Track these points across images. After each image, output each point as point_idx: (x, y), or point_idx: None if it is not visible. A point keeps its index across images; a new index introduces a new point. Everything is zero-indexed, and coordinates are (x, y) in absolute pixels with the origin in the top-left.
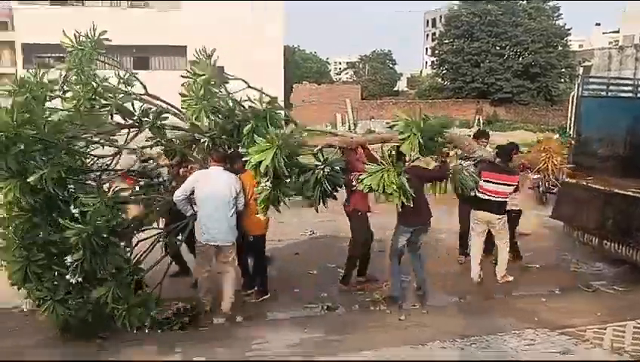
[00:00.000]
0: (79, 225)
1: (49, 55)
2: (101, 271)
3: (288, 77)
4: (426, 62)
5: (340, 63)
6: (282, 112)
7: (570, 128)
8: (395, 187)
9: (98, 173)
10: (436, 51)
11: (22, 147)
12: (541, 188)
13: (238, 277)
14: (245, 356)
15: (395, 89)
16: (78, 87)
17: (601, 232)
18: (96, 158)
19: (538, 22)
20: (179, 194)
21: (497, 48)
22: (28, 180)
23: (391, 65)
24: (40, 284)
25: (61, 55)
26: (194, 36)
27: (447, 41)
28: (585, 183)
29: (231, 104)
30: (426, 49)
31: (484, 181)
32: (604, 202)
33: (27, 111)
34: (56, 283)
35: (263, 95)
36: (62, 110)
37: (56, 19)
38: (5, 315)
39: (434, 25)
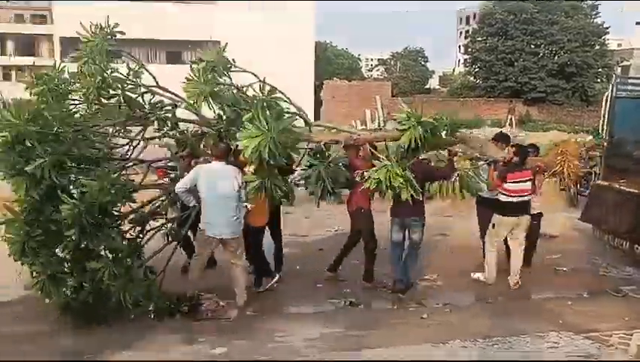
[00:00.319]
0: (73, 201)
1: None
2: (94, 249)
3: (319, 73)
4: (459, 60)
5: (372, 60)
6: (285, 103)
7: (602, 129)
8: (401, 180)
9: (115, 163)
10: (469, 49)
11: (28, 144)
12: (572, 190)
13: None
14: (267, 347)
15: (427, 87)
16: (89, 77)
17: (633, 236)
18: (111, 148)
19: (575, 20)
20: (180, 187)
21: (532, 47)
22: (26, 169)
23: (423, 63)
24: (36, 259)
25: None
26: (226, 31)
27: (480, 39)
28: (617, 186)
29: (235, 92)
30: (459, 47)
31: (511, 183)
32: (636, 205)
33: (43, 104)
34: (51, 259)
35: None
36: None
37: (93, 13)
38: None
39: (467, 22)
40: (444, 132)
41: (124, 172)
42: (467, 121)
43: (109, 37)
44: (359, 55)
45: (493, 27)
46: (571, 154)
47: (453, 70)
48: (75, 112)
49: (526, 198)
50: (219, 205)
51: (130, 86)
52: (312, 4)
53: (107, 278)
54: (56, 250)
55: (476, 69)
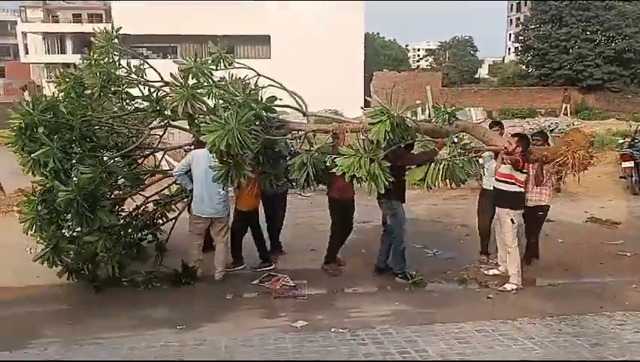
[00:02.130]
0: (67, 189)
1: (143, 45)
2: (89, 227)
3: (368, 64)
4: (509, 49)
5: (419, 50)
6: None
7: None
8: (364, 173)
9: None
10: (521, 37)
11: (41, 130)
12: (634, 178)
13: (228, 250)
14: (344, 321)
15: (476, 76)
16: (96, 76)
17: None
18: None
19: (634, 4)
20: (176, 170)
21: (588, 33)
22: (32, 155)
23: (472, 52)
24: (42, 234)
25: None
26: (277, 26)
27: (533, 27)
28: None
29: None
30: (510, 35)
31: (523, 173)
32: None
33: (66, 99)
34: (54, 233)
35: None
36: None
37: (150, 11)
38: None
39: (518, 10)
40: (444, 121)
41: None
42: (519, 110)
43: (115, 39)
44: (407, 45)
45: (547, 14)
46: (578, 144)
47: (504, 59)
48: (86, 105)
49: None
50: (207, 187)
51: (131, 82)
52: None
53: (100, 249)
54: (64, 230)
55: (529, 58)
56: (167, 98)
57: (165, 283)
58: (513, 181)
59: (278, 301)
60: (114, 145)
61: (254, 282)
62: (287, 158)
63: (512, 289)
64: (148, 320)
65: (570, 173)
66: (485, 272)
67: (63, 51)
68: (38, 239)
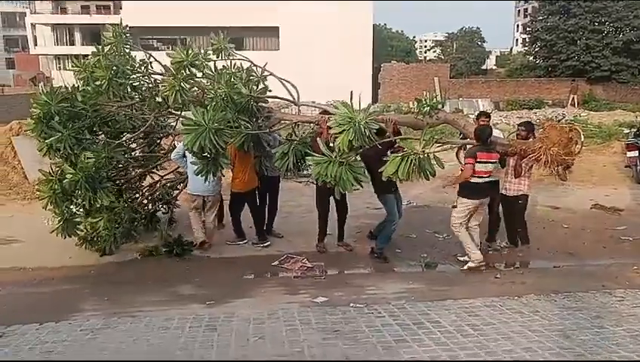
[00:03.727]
0: (72, 171)
1: (153, 37)
2: (92, 206)
3: (376, 55)
4: (517, 40)
5: (426, 41)
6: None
7: None
8: (330, 178)
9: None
10: (529, 28)
11: (56, 119)
12: (638, 167)
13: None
14: (362, 298)
15: (483, 67)
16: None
17: None
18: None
19: None
20: (173, 154)
21: (595, 25)
22: (46, 141)
23: (479, 43)
24: (58, 209)
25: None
26: (286, 17)
27: (541, 18)
28: None
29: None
30: (517, 25)
31: (478, 163)
32: None
33: (84, 87)
34: (66, 209)
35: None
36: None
37: (160, 3)
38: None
39: (526, 0)
40: (425, 114)
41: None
42: (527, 101)
43: (125, 36)
44: (414, 37)
45: (555, 6)
46: (552, 141)
47: (511, 50)
48: (100, 94)
49: (493, 180)
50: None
51: (137, 75)
52: None
53: (103, 227)
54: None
55: (537, 49)
56: (161, 88)
57: (184, 259)
58: (461, 170)
59: (298, 280)
60: (131, 129)
61: (274, 263)
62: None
63: (469, 268)
64: (177, 296)
65: (546, 169)
66: (459, 258)
67: (71, 43)
68: (53, 214)
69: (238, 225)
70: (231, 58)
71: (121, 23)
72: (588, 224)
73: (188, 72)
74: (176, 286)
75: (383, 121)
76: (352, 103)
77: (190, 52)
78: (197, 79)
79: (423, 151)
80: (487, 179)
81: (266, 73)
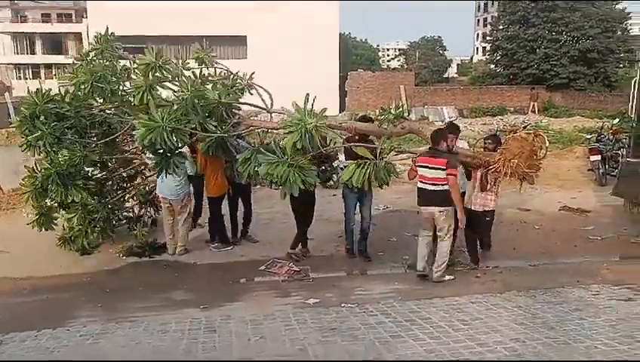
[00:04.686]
0: (46, 167)
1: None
2: (63, 202)
3: (343, 64)
4: (477, 48)
5: (389, 50)
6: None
7: (631, 113)
8: (277, 178)
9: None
10: (489, 37)
11: (41, 118)
12: (601, 170)
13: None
14: (351, 298)
15: (445, 75)
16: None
17: None
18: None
19: (597, 6)
20: (147, 156)
21: (554, 34)
22: (28, 138)
23: (441, 52)
24: (37, 203)
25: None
26: (253, 26)
27: (501, 27)
28: None
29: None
30: (477, 34)
31: (418, 166)
32: None
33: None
34: (43, 203)
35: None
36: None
37: (126, 12)
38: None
39: (486, 10)
40: (389, 123)
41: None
42: (489, 108)
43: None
44: (378, 45)
45: (515, 15)
46: (512, 153)
47: (472, 58)
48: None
49: (438, 188)
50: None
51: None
52: None
53: (76, 223)
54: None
55: (498, 57)
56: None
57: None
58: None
59: (287, 283)
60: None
61: (261, 268)
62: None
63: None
64: (170, 301)
65: (506, 180)
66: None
67: (32, 51)
68: (31, 208)
69: (222, 231)
70: (208, 67)
71: (107, 30)
72: (558, 225)
73: (159, 75)
74: (167, 292)
75: (347, 129)
76: (305, 107)
77: (159, 56)
78: (165, 83)
79: (382, 160)
80: (430, 187)
81: (246, 81)
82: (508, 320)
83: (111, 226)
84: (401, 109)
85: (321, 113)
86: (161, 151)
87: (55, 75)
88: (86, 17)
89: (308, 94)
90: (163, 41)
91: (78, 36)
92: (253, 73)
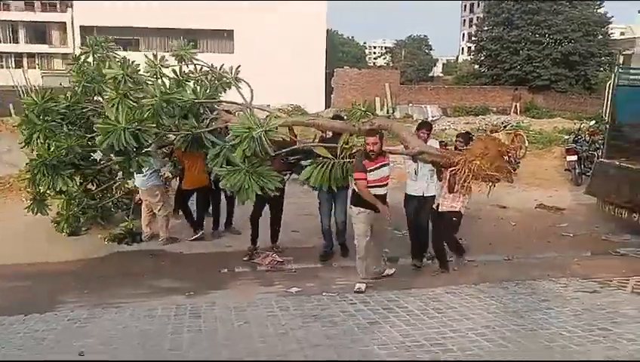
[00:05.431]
0: (34, 157)
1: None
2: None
3: (329, 61)
4: (462, 48)
5: (375, 48)
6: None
7: (605, 114)
8: (231, 187)
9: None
10: (474, 38)
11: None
12: (577, 170)
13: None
14: (332, 287)
15: (431, 74)
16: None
17: (631, 206)
18: None
19: (579, 10)
20: None
21: (537, 36)
22: (24, 132)
23: (427, 51)
24: (33, 190)
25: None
26: (241, 21)
27: (486, 29)
28: (618, 163)
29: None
30: (463, 34)
31: (368, 172)
32: (634, 179)
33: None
34: (36, 189)
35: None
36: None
37: (112, 2)
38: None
39: (472, 10)
40: (358, 119)
41: None
42: (473, 107)
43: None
44: (364, 43)
45: (500, 17)
46: (473, 155)
47: (457, 58)
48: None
49: (384, 192)
50: None
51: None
52: None
53: (60, 208)
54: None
55: (482, 58)
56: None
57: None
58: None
59: (270, 273)
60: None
61: (245, 258)
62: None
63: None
64: (157, 288)
65: (469, 183)
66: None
67: (15, 40)
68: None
69: (189, 216)
70: (187, 64)
71: (96, 37)
72: (533, 221)
73: (130, 85)
74: (153, 280)
75: (313, 126)
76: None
77: (126, 67)
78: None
79: (342, 159)
80: (381, 190)
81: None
82: (480, 309)
83: (99, 213)
84: (370, 105)
85: (271, 117)
86: (123, 151)
87: (38, 64)
88: (71, 7)
89: (269, 105)
90: (147, 33)
91: (62, 26)
92: (239, 67)
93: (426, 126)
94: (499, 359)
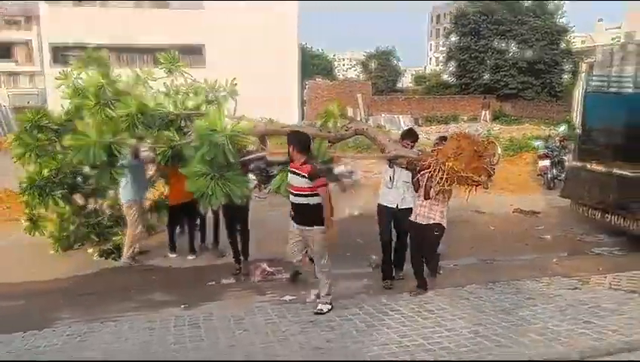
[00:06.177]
0: (23, 180)
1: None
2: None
3: (302, 74)
4: (430, 59)
5: (343, 60)
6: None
7: (575, 120)
8: (196, 193)
9: None
10: (443, 48)
11: (34, 132)
12: (549, 175)
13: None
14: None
15: (400, 85)
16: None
17: (603, 207)
18: None
19: (542, 20)
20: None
21: (503, 45)
22: (16, 152)
23: (395, 62)
24: (29, 212)
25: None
26: (212, 35)
27: (454, 39)
28: (589, 166)
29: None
30: (430, 45)
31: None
32: (605, 181)
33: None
34: (33, 202)
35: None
36: None
37: (81, 18)
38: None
39: (438, 21)
40: (334, 125)
41: None
42: (444, 116)
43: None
44: (334, 55)
45: (467, 27)
46: (445, 155)
47: (425, 68)
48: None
49: (304, 202)
50: None
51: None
52: (295, 5)
53: (54, 230)
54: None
55: (451, 68)
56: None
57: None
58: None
59: (263, 284)
60: None
61: (234, 274)
62: None
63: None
64: (152, 302)
65: (445, 187)
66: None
67: None
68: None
69: (171, 238)
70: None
71: (85, 49)
72: (511, 225)
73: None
74: (147, 294)
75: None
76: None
77: (105, 75)
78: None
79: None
80: (298, 199)
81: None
82: (471, 309)
83: (94, 230)
84: (344, 109)
85: (239, 121)
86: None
87: (3, 82)
88: (37, 25)
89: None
90: (118, 50)
91: (29, 43)
92: (234, 79)
93: (410, 136)
94: (496, 354)
